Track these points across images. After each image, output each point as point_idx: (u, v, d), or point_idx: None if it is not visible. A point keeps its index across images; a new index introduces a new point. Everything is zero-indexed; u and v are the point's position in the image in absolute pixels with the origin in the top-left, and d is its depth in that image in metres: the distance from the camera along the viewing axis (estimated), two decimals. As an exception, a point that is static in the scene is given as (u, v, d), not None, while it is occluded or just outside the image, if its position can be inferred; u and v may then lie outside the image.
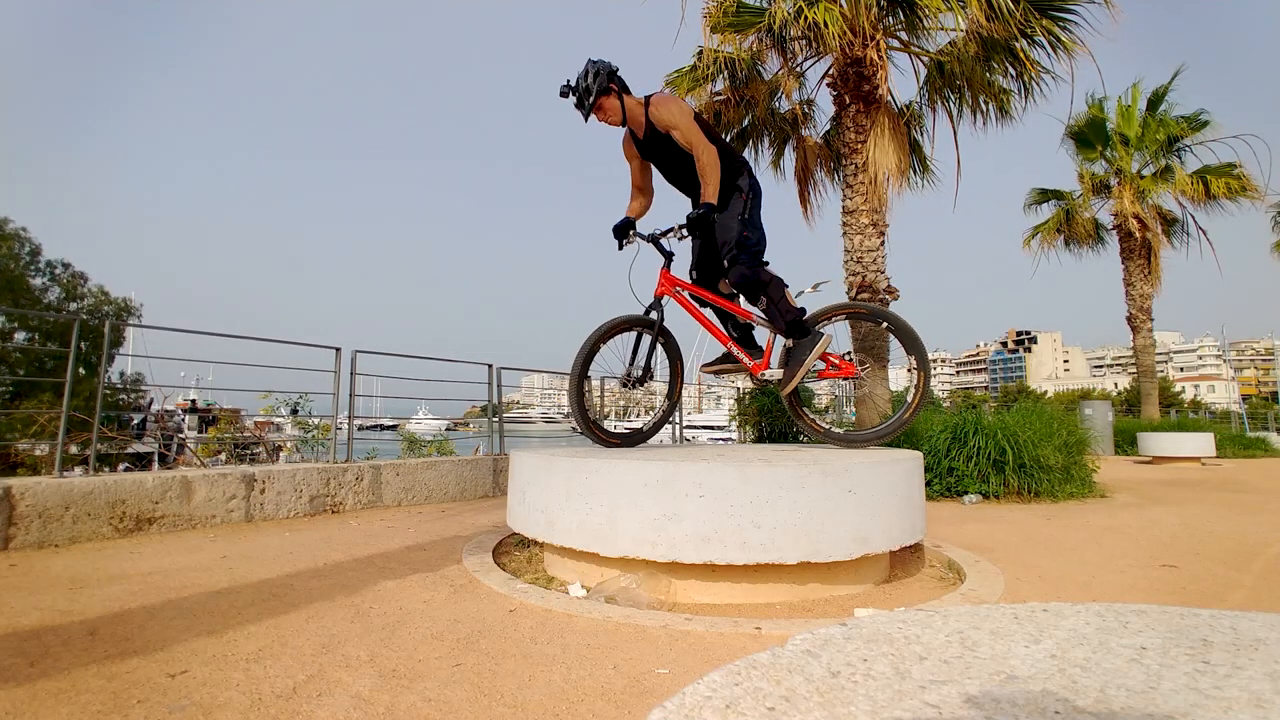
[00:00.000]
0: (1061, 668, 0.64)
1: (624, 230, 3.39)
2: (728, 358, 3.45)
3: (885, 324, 3.39)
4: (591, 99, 3.20)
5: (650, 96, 3.31)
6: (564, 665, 1.86)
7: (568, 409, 3.64)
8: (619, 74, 3.29)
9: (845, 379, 3.45)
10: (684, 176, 3.42)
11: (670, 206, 3.73)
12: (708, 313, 3.47)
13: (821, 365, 3.37)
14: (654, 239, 3.35)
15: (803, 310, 3.29)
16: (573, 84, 3.24)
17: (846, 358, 3.40)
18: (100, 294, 16.56)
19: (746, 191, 3.29)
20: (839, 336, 3.40)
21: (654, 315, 3.34)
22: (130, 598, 2.48)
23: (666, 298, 3.37)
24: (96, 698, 1.61)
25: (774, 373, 3.33)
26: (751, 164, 10.29)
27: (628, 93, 3.30)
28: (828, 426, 3.55)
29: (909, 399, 3.28)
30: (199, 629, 2.13)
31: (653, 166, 3.52)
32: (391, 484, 5.18)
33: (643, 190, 3.56)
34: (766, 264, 3.31)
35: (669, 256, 3.37)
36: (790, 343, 3.29)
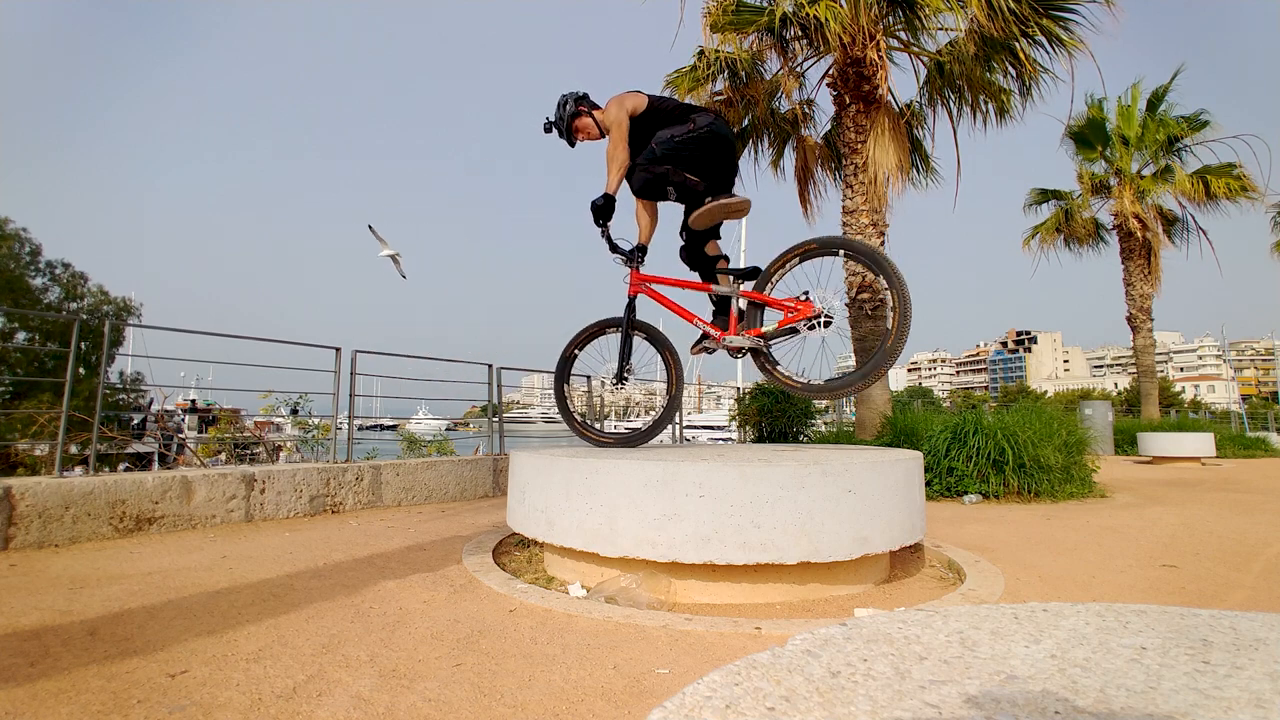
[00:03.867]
0: (1061, 668, 0.64)
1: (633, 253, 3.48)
2: (704, 336, 3.44)
3: (843, 252, 3.20)
4: (566, 126, 3.46)
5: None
6: (564, 665, 1.86)
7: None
8: (586, 96, 3.51)
9: (809, 320, 3.14)
10: None
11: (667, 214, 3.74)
12: (675, 297, 3.45)
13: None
14: (614, 249, 3.46)
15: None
16: (551, 119, 3.51)
17: (804, 297, 3.20)
18: (100, 294, 16.54)
19: (703, 128, 3.25)
20: (799, 279, 3.26)
21: (631, 315, 3.46)
22: (130, 598, 2.48)
23: (640, 295, 3.46)
24: (96, 698, 1.61)
25: (738, 339, 3.28)
26: (752, 164, 9.88)
27: (596, 108, 3.45)
28: (805, 381, 3.26)
29: (889, 326, 3.04)
30: (199, 629, 2.13)
31: None
32: (391, 484, 5.18)
33: (645, 207, 3.54)
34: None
35: (637, 258, 3.46)
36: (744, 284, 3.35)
